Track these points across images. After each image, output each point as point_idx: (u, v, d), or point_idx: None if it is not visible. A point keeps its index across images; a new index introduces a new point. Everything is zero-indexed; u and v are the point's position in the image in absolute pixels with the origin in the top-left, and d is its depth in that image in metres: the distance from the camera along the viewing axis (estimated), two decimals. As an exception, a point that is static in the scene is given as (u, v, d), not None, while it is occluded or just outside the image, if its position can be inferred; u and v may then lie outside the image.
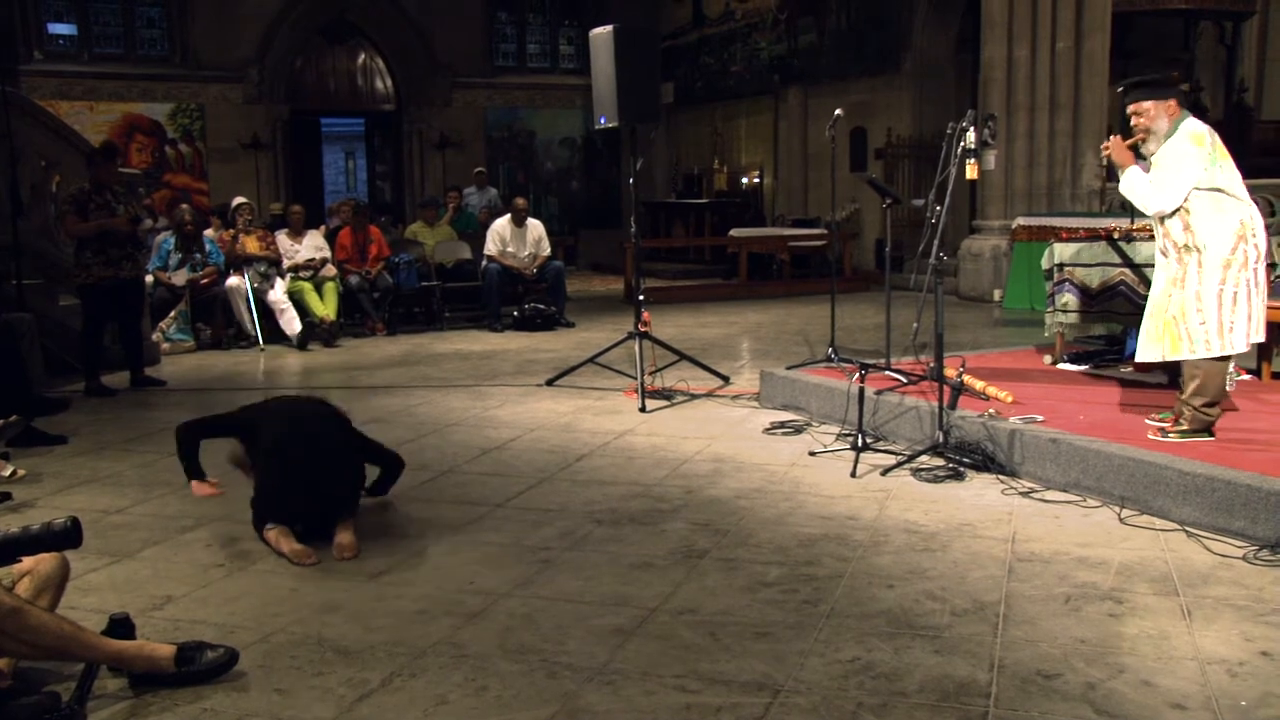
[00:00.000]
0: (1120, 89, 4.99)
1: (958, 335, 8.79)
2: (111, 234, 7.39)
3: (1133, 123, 4.82)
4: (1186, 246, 4.63)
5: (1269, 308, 5.85)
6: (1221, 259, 4.56)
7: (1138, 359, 4.89)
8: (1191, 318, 4.61)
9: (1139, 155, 4.87)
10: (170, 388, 7.72)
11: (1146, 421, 4.95)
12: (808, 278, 14.09)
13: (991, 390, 5.58)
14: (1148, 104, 4.73)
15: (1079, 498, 4.49)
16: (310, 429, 4.27)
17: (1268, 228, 4.77)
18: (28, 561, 2.95)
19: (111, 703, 2.87)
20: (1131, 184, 4.77)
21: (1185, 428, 4.70)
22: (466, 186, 15.08)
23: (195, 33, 16.82)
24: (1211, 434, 4.68)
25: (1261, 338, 4.75)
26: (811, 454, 5.33)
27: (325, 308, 9.86)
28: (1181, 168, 4.59)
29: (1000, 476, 4.81)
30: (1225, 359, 4.72)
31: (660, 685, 2.88)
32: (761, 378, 6.71)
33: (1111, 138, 4.94)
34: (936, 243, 5.10)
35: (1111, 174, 5.51)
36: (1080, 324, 6.67)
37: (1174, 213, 4.65)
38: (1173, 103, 4.72)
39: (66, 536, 2.77)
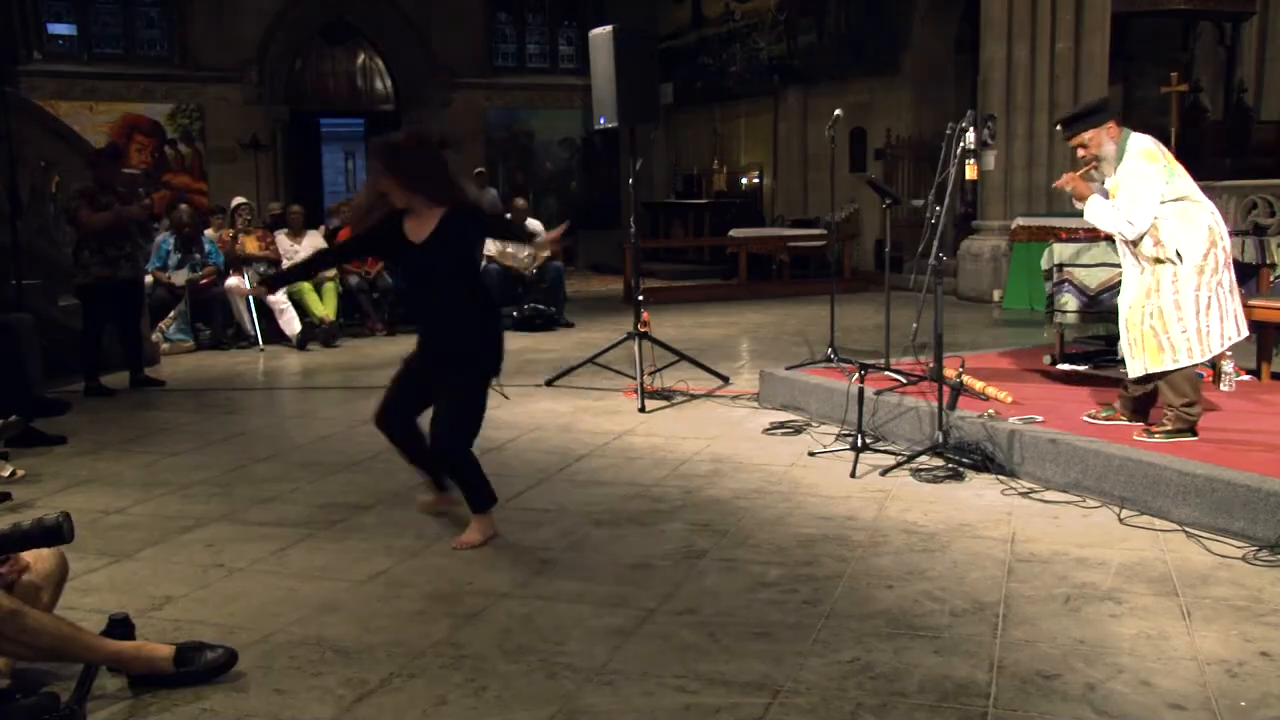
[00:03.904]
0: (1058, 127, 4.98)
1: (957, 336, 8.78)
2: (111, 234, 7.38)
3: (1079, 154, 4.83)
4: (1158, 259, 4.64)
5: (1268, 308, 5.88)
6: (1195, 265, 4.59)
7: (1129, 375, 4.87)
8: (1173, 326, 4.60)
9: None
10: (170, 388, 7.72)
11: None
12: (807, 278, 14.06)
13: (991, 390, 5.58)
14: (1087, 134, 4.73)
15: (1078, 498, 4.49)
16: None
17: (1266, 230, 4.78)
18: (26, 559, 2.94)
19: (110, 703, 2.87)
20: (1098, 214, 4.75)
21: (1168, 428, 4.71)
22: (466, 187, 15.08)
23: (195, 33, 16.80)
24: (1195, 433, 4.68)
25: (1245, 334, 4.75)
26: (811, 454, 5.33)
27: (325, 308, 9.85)
28: (1140, 188, 4.59)
29: (1000, 477, 4.81)
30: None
31: (660, 685, 2.88)
32: (761, 378, 6.71)
33: (1065, 174, 4.96)
34: (936, 243, 5.11)
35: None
36: (1080, 324, 6.66)
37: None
38: (1111, 125, 4.73)
39: (58, 531, 2.74)
